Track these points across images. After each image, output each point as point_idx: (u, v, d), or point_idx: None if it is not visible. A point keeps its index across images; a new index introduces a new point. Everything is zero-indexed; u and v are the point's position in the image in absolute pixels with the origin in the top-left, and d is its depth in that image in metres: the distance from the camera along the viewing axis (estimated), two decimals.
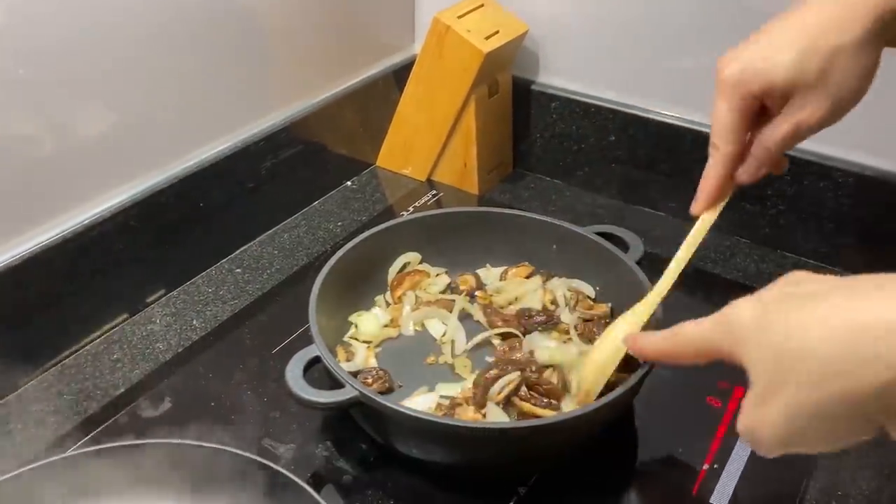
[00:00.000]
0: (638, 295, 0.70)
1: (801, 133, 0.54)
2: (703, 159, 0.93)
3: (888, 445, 0.66)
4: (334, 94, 0.99)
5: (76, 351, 0.76)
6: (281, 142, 0.93)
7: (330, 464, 0.65)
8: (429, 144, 1.01)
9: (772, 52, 0.52)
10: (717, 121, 0.55)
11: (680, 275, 0.65)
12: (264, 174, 0.91)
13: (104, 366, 0.74)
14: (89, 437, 0.66)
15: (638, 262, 0.74)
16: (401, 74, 1.02)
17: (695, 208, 0.61)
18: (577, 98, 0.98)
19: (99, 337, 0.77)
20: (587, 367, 0.64)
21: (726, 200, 0.61)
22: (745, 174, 0.58)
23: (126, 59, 0.74)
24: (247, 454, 0.56)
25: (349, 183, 1.03)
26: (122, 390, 0.71)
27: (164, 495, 0.57)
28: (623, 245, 0.76)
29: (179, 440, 0.58)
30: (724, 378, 0.72)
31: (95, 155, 0.75)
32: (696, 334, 0.49)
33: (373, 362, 0.71)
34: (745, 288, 0.85)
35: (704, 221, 0.62)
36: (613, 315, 0.76)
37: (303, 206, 0.98)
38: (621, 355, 0.62)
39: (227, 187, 0.88)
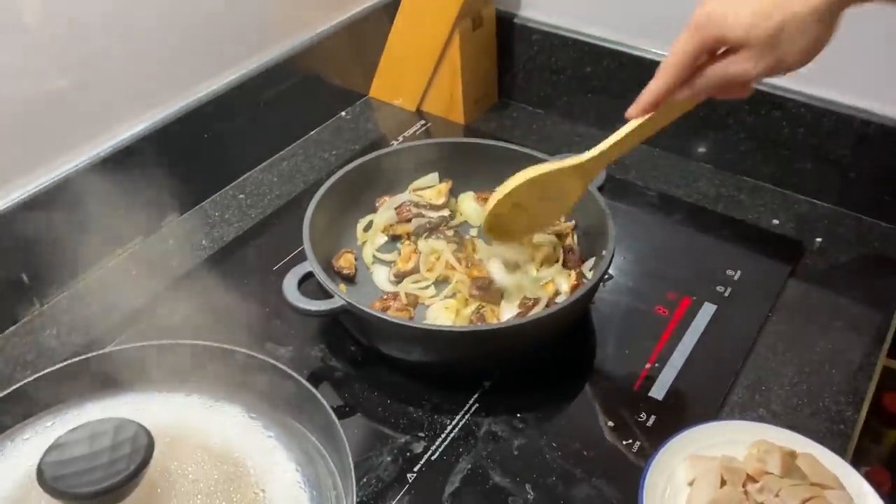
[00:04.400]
0: (597, 216, 0.79)
1: (739, 80, 0.59)
2: None
3: (810, 348, 0.76)
4: (329, 29, 1.06)
5: (101, 267, 0.85)
6: (279, 75, 1.00)
7: (324, 363, 0.75)
8: (417, 76, 1.08)
9: (734, 9, 0.56)
10: (674, 50, 0.61)
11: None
12: (263, 106, 0.99)
13: (126, 281, 0.84)
14: (115, 340, 0.77)
15: (600, 188, 0.82)
16: (391, 8, 1.07)
17: (630, 111, 0.66)
18: (556, 31, 1.04)
19: (120, 254, 0.87)
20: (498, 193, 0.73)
21: (654, 113, 0.65)
22: (682, 95, 0.63)
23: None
24: (255, 354, 0.65)
25: (343, 113, 1.11)
26: (143, 301, 0.81)
27: (182, 388, 0.66)
28: None
29: (196, 341, 0.67)
30: (672, 290, 0.81)
31: (111, 90, 0.83)
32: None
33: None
34: (705, 210, 0.94)
35: (630, 126, 0.67)
36: (575, 230, 0.85)
37: (300, 136, 1.06)
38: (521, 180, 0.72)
39: (230, 119, 0.95)
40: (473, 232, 0.87)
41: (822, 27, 0.55)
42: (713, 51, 0.60)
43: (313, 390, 0.61)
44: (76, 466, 0.50)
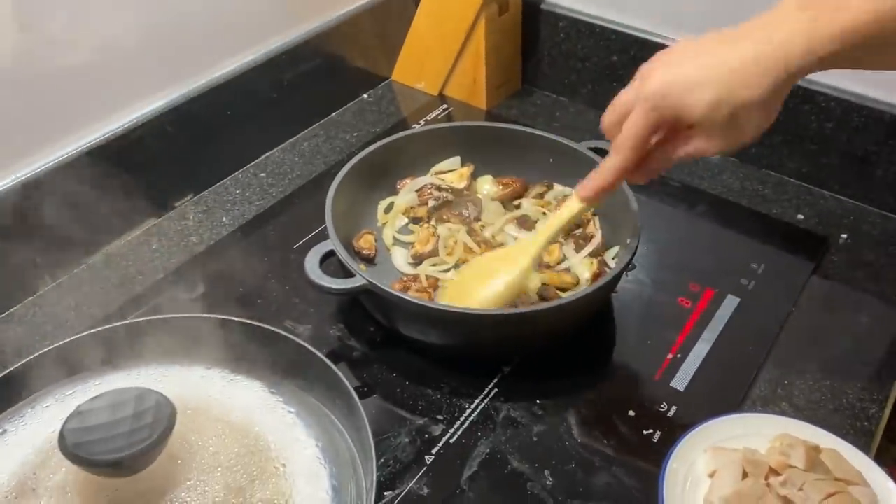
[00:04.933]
0: (621, 204, 0.78)
1: (698, 156, 0.60)
2: None
3: (834, 344, 0.75)
4: (353, 10, 1.05)
5: (120, 241, 0.85)
6: (302, 55, 0.99)
7: (342, 343, 0.75)
8: (441, 60, 1.07)
9: (693, 87, 0.56)
10: (630, 128, 0.59)
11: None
12: (286, 86, 0.98)
13: (145, 255, 0.84)
14: (134, 314, 0.76)
15: None
16: None
17: (582, 191, 0.65)
18: (584, 18, 1.03)
19: (139, 229, 0.87)
20: (455, 287, 0.73)
21: (607, 195, 0.65)
22: (640, 177, 0.64)
23: None
24: (276, 329, 0.65)
25: (365, 95, 1.10)
26: (162, 276, 0.81)
27: (202, 362, 0.66)
28: None
29: (216, 315, 0.66)
30: (695, 281, 0.81)
31: (134, 63, 0.83)
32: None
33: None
34: (729, 203, 0.93)
35: (574, 208, 0.67)
36: (597, 217, 0.84)
37: (322, 117, 1.05)
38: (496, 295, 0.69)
39: (253, 97, 0.95)
40: (485, 218, 0.85)
41: (774, 105, 0.57)
42: (665, 125, 0.59)
43: (334, 368, 0.61)
44: (98, 434, 0.50)
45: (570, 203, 0.67)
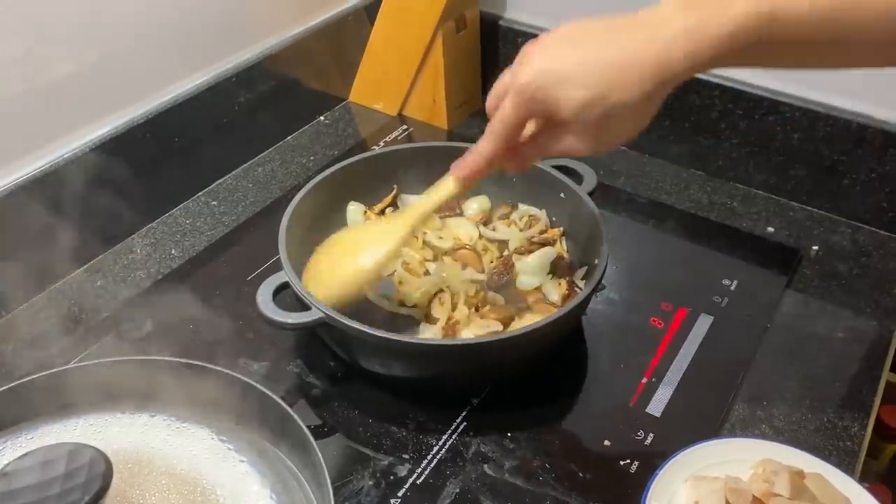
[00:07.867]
0: (589, 223, 0.75)
1: (568, 155, 0.59)
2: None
3: (811, 360, 0.72)
4: (307, 30, 1.02)
5: (62, 278, 0.80)
6: (254, 77, 0.95)
7: (301, 379, 0.71)
8: (399, 80, 1.04)
9: (566, 83, 0.53)
10: (500, 116, 0.58)
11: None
12: (238, 109, 0.94)
13: (88, 292, 0.79)
14: (78, 357, 0.71)
15: (590, 194, 0.78)
16: (372, 9, 1.04)
17: (454, 171, 0.63)
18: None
19: (83, 265, 0.82)
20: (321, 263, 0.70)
21: (479, 179, 0.63)
22: (512, 166, 0.63)
23: None
24: (224, 370, 0.61)
25: (322, 118, 1.06)
26: (106, 315, 0.76)
27: (147, 409, 0.62)
28: (578, 177, 0.81)
29: (162, 357, 0.62)
30: (667, 301, 0.78)
31: (74, 89, 0.78)
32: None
33: None
34: (698, 218, 0.91)
35: (450, 188, 0.64)
36: (565, 238, 0.81)
37: (277, 141, 1.01)
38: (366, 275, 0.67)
39: (203, 122, 0.91)
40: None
41: (649, 109, 0.55)
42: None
43: (289, 410, 0.57)
44: (25, 497, 0.45)
45: (446, 183, 0.65)
